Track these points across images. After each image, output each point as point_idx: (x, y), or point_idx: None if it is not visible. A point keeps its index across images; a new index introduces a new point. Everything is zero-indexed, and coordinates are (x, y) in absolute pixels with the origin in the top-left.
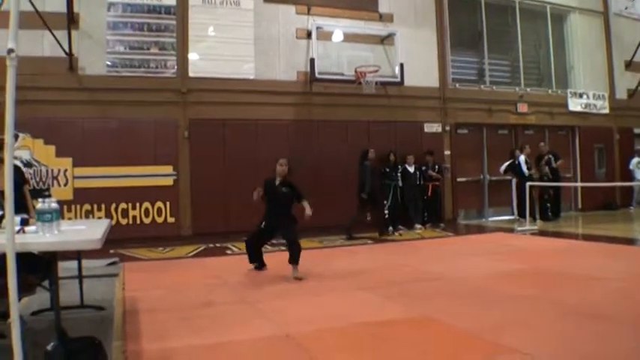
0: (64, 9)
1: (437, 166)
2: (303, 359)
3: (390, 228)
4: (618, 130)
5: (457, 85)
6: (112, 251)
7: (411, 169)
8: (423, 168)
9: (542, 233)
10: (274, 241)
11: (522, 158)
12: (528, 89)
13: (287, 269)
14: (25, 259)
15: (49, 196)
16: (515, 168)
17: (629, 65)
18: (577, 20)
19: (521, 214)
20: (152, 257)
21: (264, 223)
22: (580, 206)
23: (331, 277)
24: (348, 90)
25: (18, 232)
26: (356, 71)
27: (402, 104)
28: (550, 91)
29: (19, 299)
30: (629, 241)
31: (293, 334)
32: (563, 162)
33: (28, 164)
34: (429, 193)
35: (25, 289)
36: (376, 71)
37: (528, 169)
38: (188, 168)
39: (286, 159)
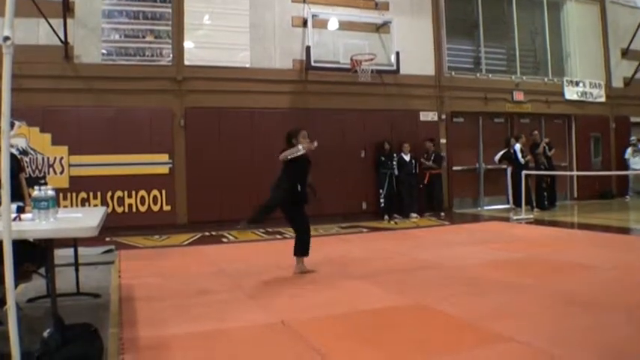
0: None
1: (433, 155)
2: (298, 346)
3: (386, 217)
4: (614, 119)
5: (453, 73)
6: (108, 239)
7: (407, 158)
8: (423, 156)
9: (537, 222)
10: (269, 229)
11: (518, 147)
12: (524, 77)
13: (282, 257)
14: (21, 246)
15: (45, 184)
16: (510, 157)
17: (625, 53)
18: (573, 8)
19: (517, 202)
20: (148, 245)
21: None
22: (576, 195)
23: (326, 265)
24: (344, 78)
25: (14, 219)
26: (352, 59)
27: (398, 93)
28: (546, 79)
29: (16, 286)
30: (624, 230)
31: (289, 321)
32: (556, 151)
33: (24, 152)
34: (426, 181)
35: (21, 277)
36: (372, 59)
37: (524, 157)
38: (184, 156)
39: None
